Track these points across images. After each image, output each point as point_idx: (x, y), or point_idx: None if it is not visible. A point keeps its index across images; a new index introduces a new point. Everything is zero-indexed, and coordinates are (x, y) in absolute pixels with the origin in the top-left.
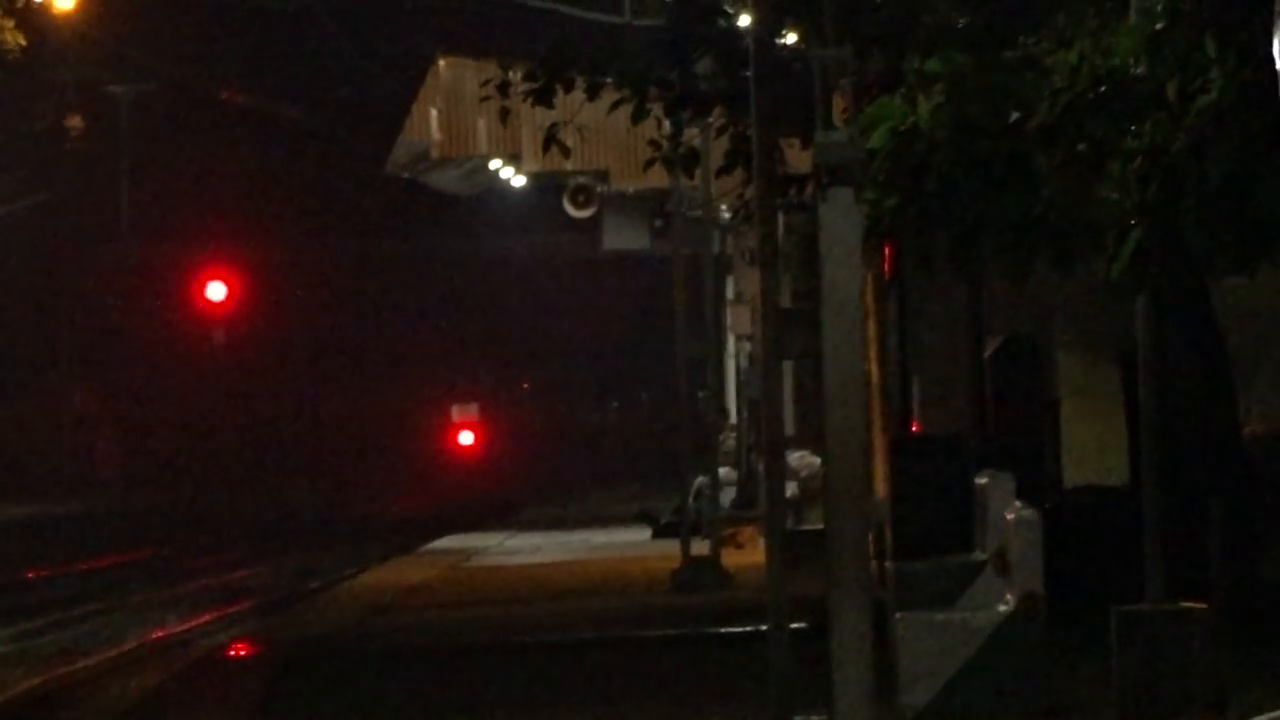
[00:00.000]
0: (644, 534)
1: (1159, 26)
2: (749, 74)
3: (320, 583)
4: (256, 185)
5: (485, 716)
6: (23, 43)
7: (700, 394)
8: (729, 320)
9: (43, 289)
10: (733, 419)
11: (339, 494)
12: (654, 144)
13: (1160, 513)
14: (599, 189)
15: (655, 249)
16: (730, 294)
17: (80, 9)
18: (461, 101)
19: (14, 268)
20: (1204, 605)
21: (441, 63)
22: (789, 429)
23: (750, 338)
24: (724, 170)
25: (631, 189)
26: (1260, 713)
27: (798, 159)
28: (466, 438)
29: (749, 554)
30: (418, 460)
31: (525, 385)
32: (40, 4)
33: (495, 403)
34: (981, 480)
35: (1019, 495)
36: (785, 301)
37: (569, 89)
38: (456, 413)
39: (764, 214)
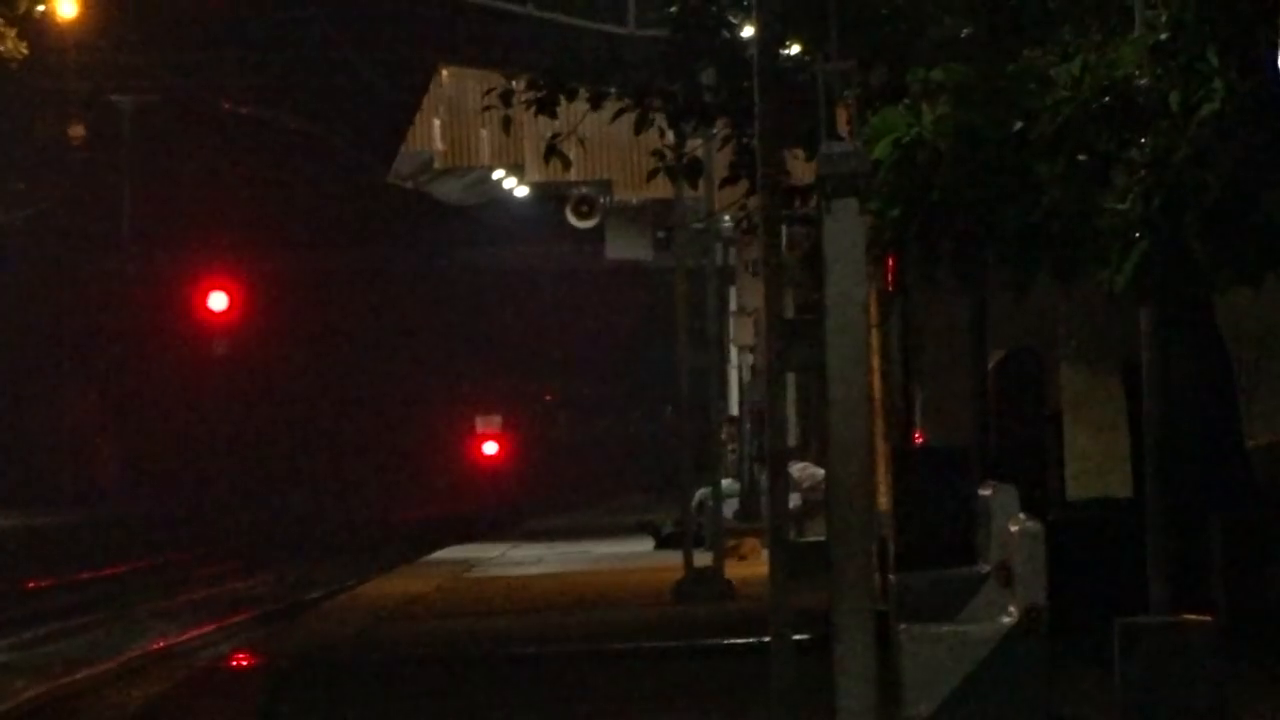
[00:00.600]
0: (647, 545)
1: (1162, 38)
2: (752, 85)
3: (322, 593)
4: (258, 195)
5: None
6: (24, 52)
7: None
8: (732, 332)
9: (43, 298)
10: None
11: (345, 503)
12: (658, 154)
13: (1163, 525)
14: (602, 200)
15: (658, 260)
16: (733, 305)
17: (83, 19)
18: (464, 111)
19: (15, 276)
20: (1207, 618)
21: (444, 72)
22: (792, 440)
23: (753, 349)
24: (727, 181)
25: (635, 200)
26: None
27: (802, 170)
28: (490, 448)
29: (751, 565)
30: (440, 469)
31: (549, 398)
32: (42, 13)
33: (518, 414)
34: (984, 492)
35: (1022, 507)
36: (789, 313)
37: (572, 99)
38: (480, 424)
39: (768, 225)
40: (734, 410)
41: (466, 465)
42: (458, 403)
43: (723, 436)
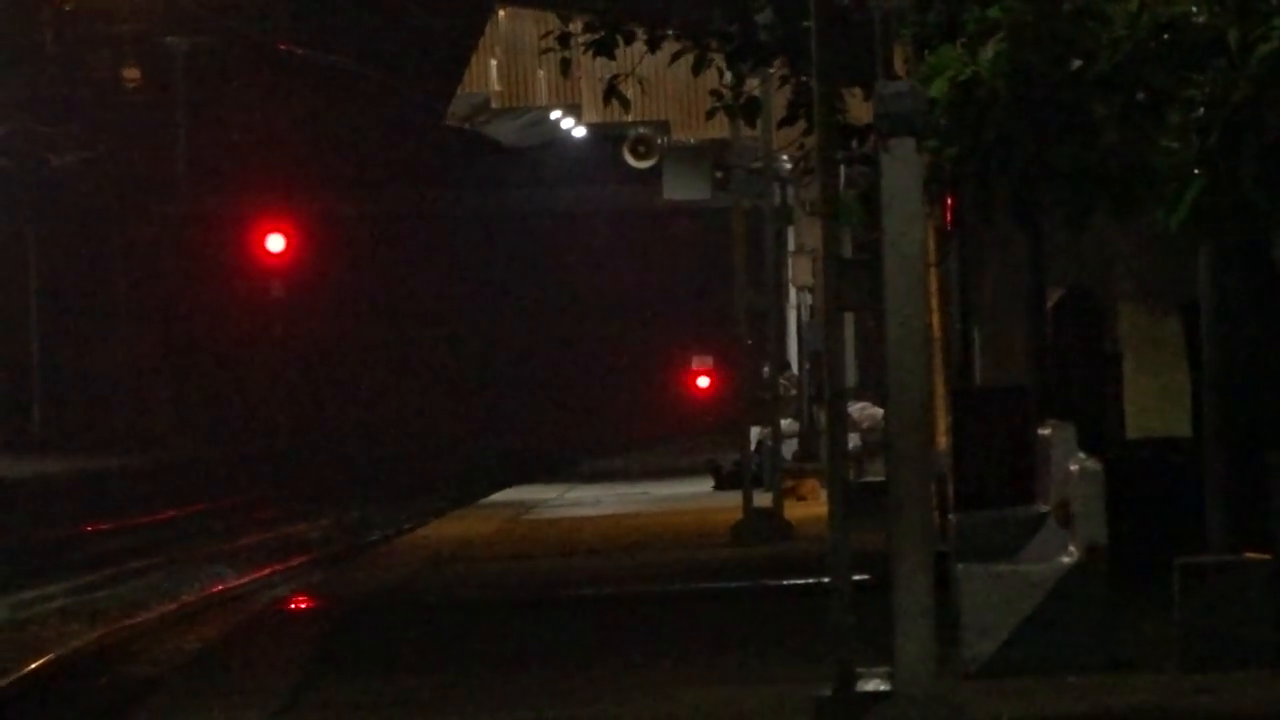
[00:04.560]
0: (706, 486)
1: None
2: (809, 24)
3: (379, 536)
4: (314, 137)
5: (542, 670)
6: None
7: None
8: (790, 272)
9: (99, 241)
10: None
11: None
12: (716, 93)
13: (1222, 464)
14: (659, 140)
15: (716, 200)
16: (791, 245)
17: None
18: (521, 52)
19: (70, 220)
20: (1267, 556)
21: (501, 13)
22: (850, 380)
23: (811, 289)
24: (785, 121)
25: (692, 140)
26: None
27: (860, 109)
28: (703, 381)
29: (810, 506)
30: (663, 399)
31: (749, 341)
32: None
33: (723, 353)
34: (1044, 431)
35: (1081, 447)
36: (846, 252)
37: (630, 41)
38: (696, 362)
39: (825, 165)
40: (793, 350)
41: (684, 395)
42: (677, 343)
43: (781, 381)
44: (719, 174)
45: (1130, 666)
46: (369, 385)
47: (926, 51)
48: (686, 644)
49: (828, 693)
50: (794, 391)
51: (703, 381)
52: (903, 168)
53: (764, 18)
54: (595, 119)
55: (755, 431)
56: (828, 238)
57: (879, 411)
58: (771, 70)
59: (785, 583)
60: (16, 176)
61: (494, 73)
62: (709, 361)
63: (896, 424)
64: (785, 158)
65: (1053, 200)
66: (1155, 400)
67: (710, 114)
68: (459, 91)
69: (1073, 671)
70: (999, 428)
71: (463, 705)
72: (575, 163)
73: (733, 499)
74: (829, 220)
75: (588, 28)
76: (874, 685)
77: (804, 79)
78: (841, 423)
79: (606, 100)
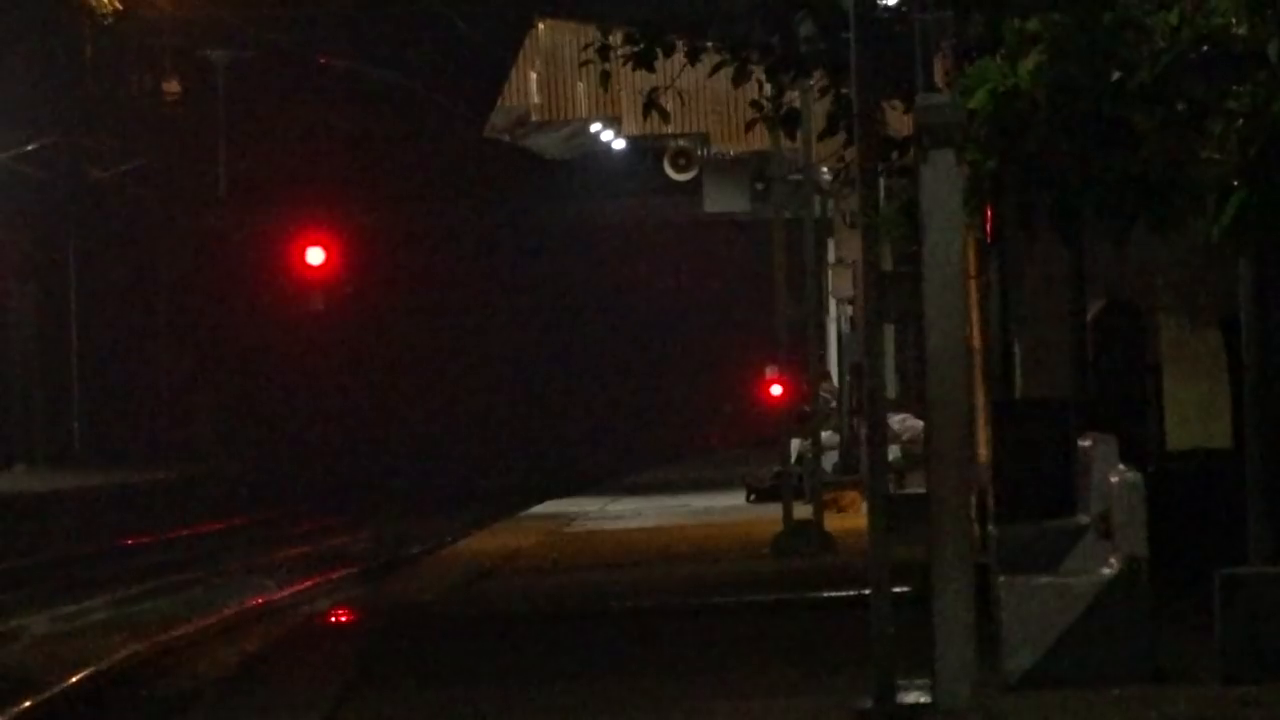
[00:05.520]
0: (745, 499)
1: None
2: (849, 36)
3: (421, 548)
4: (354, 150)
5: (582, 682)
6: (119, 6)
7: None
8: (830, 284)
9: (139, 254)
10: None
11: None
12: (755, 105)
13: (1263, 476)
14: (699, 152)
15: (756, 212)
16: (831, 257)
17: None
18: (561, 65)
19: (110, 233)
20: None
21: (541, 26)
22: (890, 392)
23: (851, 301)
24: (825, 133)
25: (732, 152)
26: None
27: (900, 121)
28: (776, 390)
29: (851, 518)
30: (741, 406)
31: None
32: None
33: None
34: (1084, 443)
35: (1122, 459)
36: (886, 265)
37: (669, 53)
38: (769, 371)
39: (865, 177)
40: (833, 360)
41: (758, 403)
42: (752, 354)
43: (821, 392)
44: (759, 186)
45: (1171, 678)
46: (410, 398)
47: (967, 63)
48: (727, 656)
49: (868, 704)
50: (834, 403)
51: (776, 390)
52: (943, 180)
53: (804, 30)
54: (635, 131)
55: (796, 443)
56: (868, 250)
57: (919, 423)
58: (811, 82)
59: (825, 595)
60: (57, 189)
61: (534, 85)
62: (778, 371)
63: (937, 436)
64: (825, 170)
65: (1093, 212)
66: (1196, 412)
67: (750, 126)
68: (499, 104)
69: (1114, 683)
70: (1039, 439)
71: (503, 717)
72: (615, 175)
73: (772, 512)
74: (869, 232)
75: (627, 40)
76: (915, 697)
77: (844, 91)
78: (882, 434)
79: (646, 112)
